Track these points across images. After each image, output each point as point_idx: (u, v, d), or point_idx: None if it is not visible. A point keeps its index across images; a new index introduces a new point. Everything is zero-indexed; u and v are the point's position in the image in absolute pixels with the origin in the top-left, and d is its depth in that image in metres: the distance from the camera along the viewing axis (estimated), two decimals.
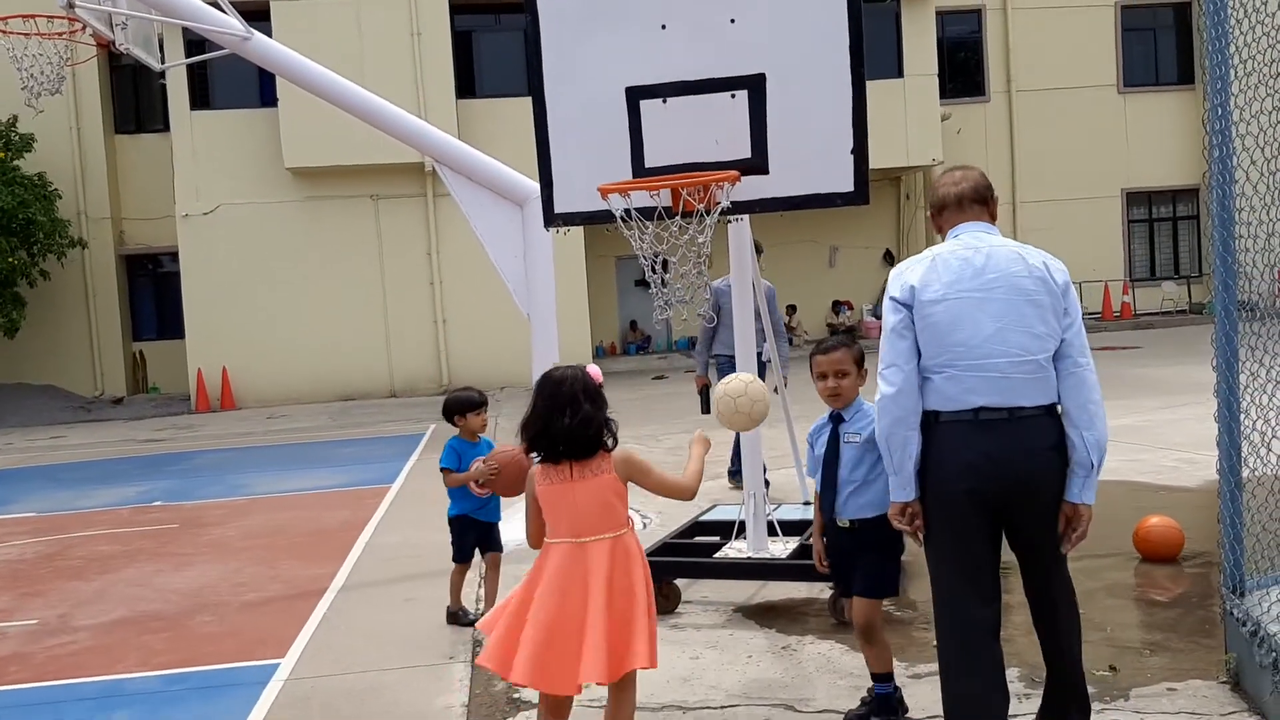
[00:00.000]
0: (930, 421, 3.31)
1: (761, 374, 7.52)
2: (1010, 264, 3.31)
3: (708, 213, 4.64)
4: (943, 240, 3.57)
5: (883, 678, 3.99)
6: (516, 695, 4.57)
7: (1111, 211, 26.05)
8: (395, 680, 4.90)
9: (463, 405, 5.64)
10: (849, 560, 3.98)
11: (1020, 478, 3.26)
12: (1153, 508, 6.81)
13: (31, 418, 20.56)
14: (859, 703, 4.12)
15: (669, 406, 15.27)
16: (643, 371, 22.11)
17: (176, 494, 10.99)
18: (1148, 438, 9.92)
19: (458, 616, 5.72)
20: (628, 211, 4.69)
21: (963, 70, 25.74)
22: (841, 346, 3.95)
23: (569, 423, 3.39)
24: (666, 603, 5.59)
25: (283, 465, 12.62)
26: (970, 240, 3.41)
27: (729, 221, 5.26)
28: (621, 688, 3.57)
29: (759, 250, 7.15)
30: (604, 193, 4.73)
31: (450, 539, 5.77)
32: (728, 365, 8.06)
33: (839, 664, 4.67)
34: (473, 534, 5.72)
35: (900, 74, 22.86)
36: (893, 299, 3.37)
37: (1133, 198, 26.20)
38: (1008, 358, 3.21)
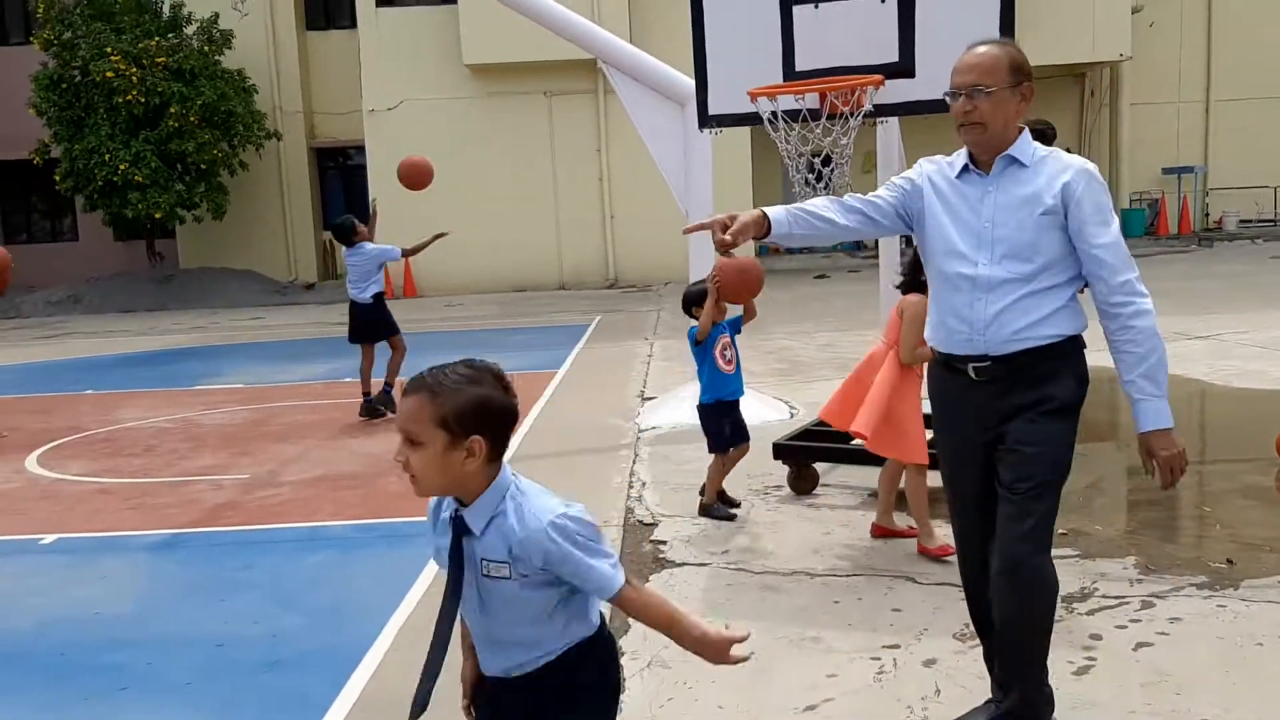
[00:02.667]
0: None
1: None
2: None
3: (852, 115, 4.88)
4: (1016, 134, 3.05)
5: None
6: (661, 555, 5.07)
7: None
8: None
9: (699, 297, 5.60)
10: None
11: None
12: None
13: (234, 300, 22.20)
14: None
15: (826, 305, 15.49)
16: (806, 270, 22.20)
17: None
18: None
19: (711, 510, 5.63)
20: (774, 114, 4.96)
21: None
22: (419, 391, 2.07)
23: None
24: (805, 484, 5.98)
25: (459, 349, 13.36)
26: None
27: (875, 124, 5.46)
28: None
29: (1051, 138, 5.94)
30: (753, 96, 5.01)
31: (705, 429, 5.68)
32: None
33: None
34: (727, 420, 5.62)
35: None
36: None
37: None
38: None
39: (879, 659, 3.82)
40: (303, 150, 24.42)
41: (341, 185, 25.47)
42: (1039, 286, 2.99)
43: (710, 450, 5.68)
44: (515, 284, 22.23)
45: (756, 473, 6.41)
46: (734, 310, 5.66)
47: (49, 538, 5.90)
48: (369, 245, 8.80)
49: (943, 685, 3.61)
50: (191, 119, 20.89)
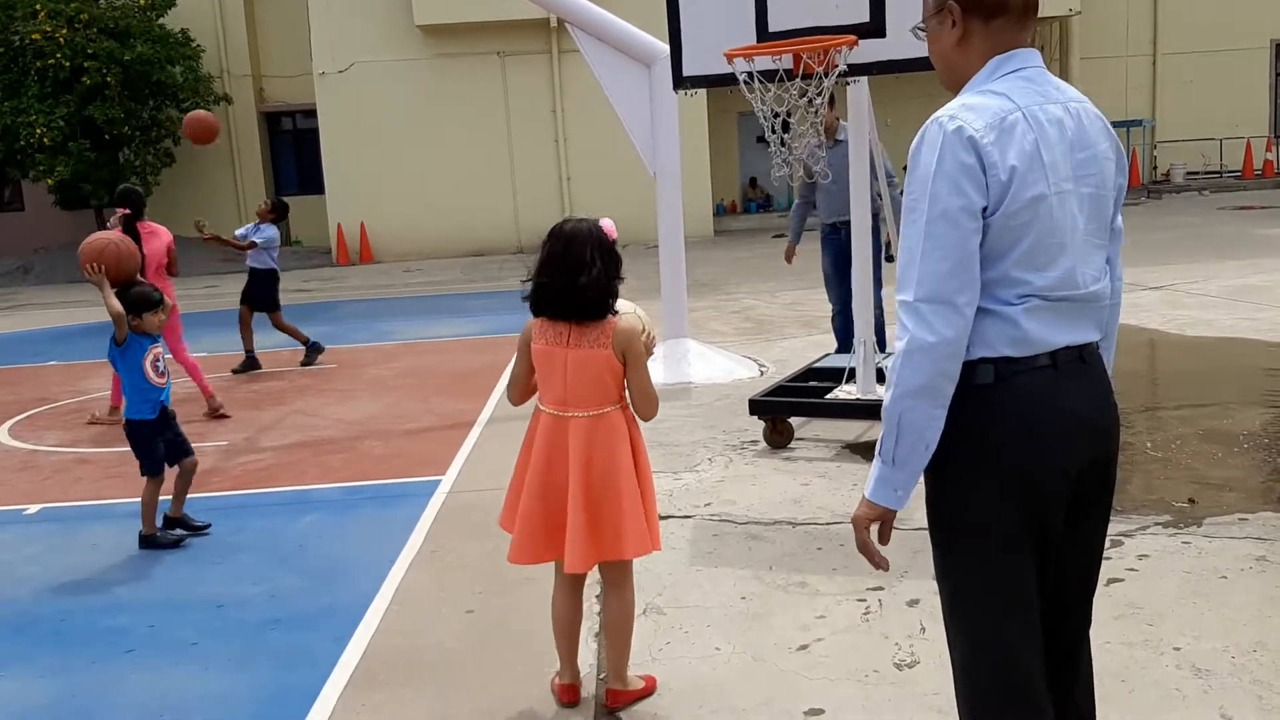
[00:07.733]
0: (984, 376, 2.07)
1: (879, 236, 6.90)
2: (1099, 136, 2.14)
3: (826, 75, 4.98)
4: (975, 67, 2.10)
5: None
6: None
7: (1259, 63, 24.80)
8: None
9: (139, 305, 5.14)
10: None
11: (1106, 439, 2.21)
12: (1266, 363, 7.07)
13: (186, 269, 21.67)
14: None
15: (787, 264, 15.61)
16: (763, 230, 22.35)
17: (330, 338, 11.88)
18: (1268, 297, 9.96)
19: (155, 539, 5.13)
20: (750, 74, 5.05)
21: None
22: None
23: (583, 280, 3.10)
24: (780, 438, 6.14)
25: (422, 314, 13.48)
26: (1051, 90, 2.11)
27: (848, 83, 5.57)
28: (612, 580, 3.36)
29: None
30: (730, 57, 5.09)
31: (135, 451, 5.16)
32: (831, 235, 7.53)
33: None
34: (162, 438, 5.16)
35: None
36: (960, 169, 1.98)
37: None
38: (1093, 277, 2.15)
39: (864, 600, 3.99)
40: (252, 114, 24.08)
41: (293, 149, 25.17)
42: None
43: (143, 474, 5.12)
44: (472, 248, 22.17)
45: (733, 428, 6.56)
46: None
47: (33, 508, 5.92)
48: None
49: (927, 623, 3.78)
50: (109, 79, 20.24)
